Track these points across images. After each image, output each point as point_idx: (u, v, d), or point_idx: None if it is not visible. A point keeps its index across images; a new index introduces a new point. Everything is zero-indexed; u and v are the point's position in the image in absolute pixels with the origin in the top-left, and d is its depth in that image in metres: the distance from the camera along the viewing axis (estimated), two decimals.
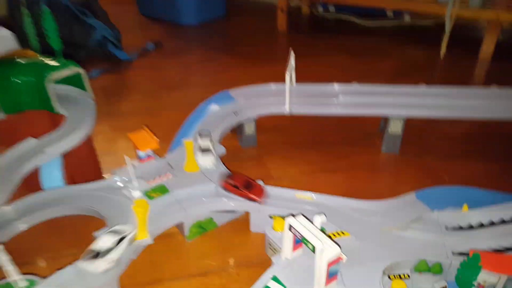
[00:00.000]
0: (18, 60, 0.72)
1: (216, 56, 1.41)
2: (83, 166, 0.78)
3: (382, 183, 0.81)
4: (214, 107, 0.88)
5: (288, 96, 0.84)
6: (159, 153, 0.74)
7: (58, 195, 0.65)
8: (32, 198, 0.63)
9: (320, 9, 1.74)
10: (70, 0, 1.39)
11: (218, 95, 0.91)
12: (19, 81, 0.69)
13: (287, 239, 0.53)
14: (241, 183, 0.65)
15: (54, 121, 0.74)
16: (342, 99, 0.88)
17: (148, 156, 0.73)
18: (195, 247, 0.66)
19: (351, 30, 1.59)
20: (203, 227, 0.68)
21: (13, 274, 0.49)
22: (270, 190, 0.67)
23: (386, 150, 0.87)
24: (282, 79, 0.84)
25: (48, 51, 0.75)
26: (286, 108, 0.85)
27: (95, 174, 0.81)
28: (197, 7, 1.66)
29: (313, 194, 0.66)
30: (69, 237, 0.68)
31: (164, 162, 0.73)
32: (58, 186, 0.71)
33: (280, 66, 1.29)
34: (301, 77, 0.90)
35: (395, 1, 1.36)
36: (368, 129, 0.95)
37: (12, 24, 1.27)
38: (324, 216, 0.53)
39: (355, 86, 0.91)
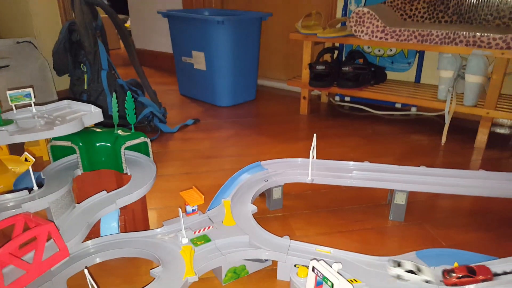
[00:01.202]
0: (98, 129, 0.93)
1: (246, 133, 1.63)
2: (135, 218, 0.94)
3: (389, 244, 0.93)
4: (247, 175, 1.06)
5: (310, 168, 1.02)
6: (200, 209, 0.91)
7: (122, 238, 0.81)
8: (105, 239, 0.79)
9: (337, 98, 2.00)
10: (126, 82, 1.69)
11: (251, 165, 1.09)
12: (101, 146, 0.89)
13: (311, 279, 0.66)
14: (464, 271, 0.68)
15: (121, 179, 0.92)
16: (355, 173, 1.05)
17: (193, 211, 0.89)
18: None
19: (363, 117, 1.82)
20: (237, 273, 0.81)
21: None
22: (295, 244, 0.81)
23: (393, 218, 1.01)
24: (304, 155, 1.03)
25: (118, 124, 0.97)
26: (309, 178, 1.02)
27: (144, 225, 0.96)
28: (232, 92, 1.94)
29: (331, 249, 0.80)
30: (123, 274, 0.82)
31: (206, 217, 0.89)
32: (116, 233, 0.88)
33: (302, 144, 1.51)
34: (321, 154, 1.09)
35: (403, 97, 1.59)
36: (377, 200, 1.11)
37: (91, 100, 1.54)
38: (340, 264, 0.66)
39: (366, 164, 1.09)
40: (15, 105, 0.86)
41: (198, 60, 1.91)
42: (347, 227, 0.99)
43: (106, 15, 1.59)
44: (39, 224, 0.65)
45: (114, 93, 0.96)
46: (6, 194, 0.73)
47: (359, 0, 1.85)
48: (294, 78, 1.86)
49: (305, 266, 0.76)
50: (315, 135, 1.01)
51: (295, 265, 0.77)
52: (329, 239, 0.94)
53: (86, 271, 0.61)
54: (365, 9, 1.51)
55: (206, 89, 1.97)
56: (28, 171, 1.19)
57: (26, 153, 0.73)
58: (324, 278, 0.62)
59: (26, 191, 0.75)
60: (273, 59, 2.28)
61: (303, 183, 1.04)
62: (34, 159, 0.73)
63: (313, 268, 0.64)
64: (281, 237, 0.82)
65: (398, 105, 1.89)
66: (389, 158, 1.38)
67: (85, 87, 1.59)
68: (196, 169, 1.31)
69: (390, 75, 1.87)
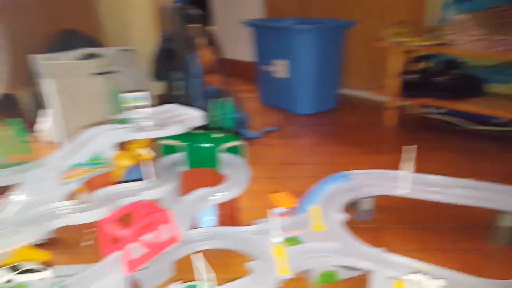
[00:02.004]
0: (198, 131, 1.00)
1: (327, 142, 1.62)
2: (228, 214, 0.99)
3: (491, 268, 0.86)
4: (335, 183, 1.05)
5: (408, 181, 0.98)
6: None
7: (222, 231, 0.87)
8: (207, 230, 0.85)
9: (424, 110, 1.90)
10: (215, 89, 1.78)
11: (339, 173, 1.09)
12: (202, 146, 0.96)
13: None
14: None
15: (217, 178, 0.98)
16: (456, 190, 0.99)
17: (283, 213, 0.91)
18: None
19: (456, 132, 1.69)
20: (328, 277, 0.81)
21: (205, 279, 0.66)
22: (391, 257, 0.78)
23: (497, 241, 0.93)
24: (390, 168, 1.00)
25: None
26: (406, 191, 0.98)
27: (235, 222, 1.01)
28: (313, 101, 1.95)
29: (429, 265, 0.76)
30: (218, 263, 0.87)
31: (295, 221, 0.90)
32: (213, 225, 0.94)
33: (387, 157, 1.45)
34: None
35: (504, 111, 1.46)
36: (477, 220, 1.02)
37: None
38: (445, 280, 0.62)
39: (469, 181, 1.01)
40: (129, 106, 0.95)
41: (281, 68, 1.96)
42: (443, 245, 0.94)
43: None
44: (158, 210, 0.72)
45: (211, 100, 1.03)
46: (129, 183, 0.82)
47: (455, 7, 1.74)
48: (381, 86, 1.81)
49: (402, 280, 0.73)
50: (415, 146, 0.97)
51: (390, 278, 0.75)
52: (423, 256, 0.88)
53: (201, 255, 0.66)
54: (466, 16, 1.42)
55: (287, 97, 2.00)
56: (134, 166, 1.33)
57: (149, 148, 0.82)
58: None
59: (144, 181, 0.84)
60: (356, 68, 2.24)
61: (394, 196, 1.00)
62: (152, 155, 0.82)
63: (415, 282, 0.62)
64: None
65: (496, 121, 1.73)
66: (491, 177, 1.27)
67: (179, 93, 1.71)
68: (279, 174, 1.34)
69: (491, 87, 1.72)
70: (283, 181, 1.29)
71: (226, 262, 0.88)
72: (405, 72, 1.63)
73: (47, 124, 1.63)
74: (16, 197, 0.72)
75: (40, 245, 0.78)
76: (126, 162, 1.32)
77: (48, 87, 1.49)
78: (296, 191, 1.18)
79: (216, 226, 0.95)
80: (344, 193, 1.00)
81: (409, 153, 0.96)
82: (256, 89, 2.25)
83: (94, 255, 0.90)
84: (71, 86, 1.48)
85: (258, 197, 1.17)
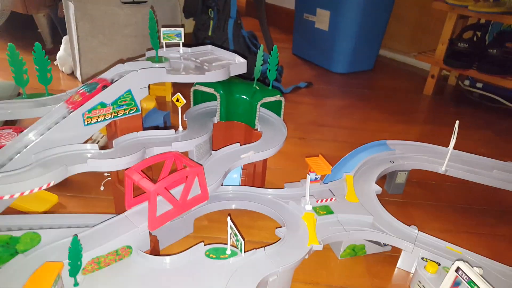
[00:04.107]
0: (237, 80, 0.94)
1: (361, 105, 1.54)
2: (254, 174, 0.96)
3: None
4: (372, 152, 1.00)
5: (448, 158, 0.93)
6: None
7: (252, 192, 0.84)
8: (230, 188, 0.83)
9: (467, 82, 1.78)
10: (247, 32, 1.68)
11: (376, 142, 1.03)
12: (239, 98, 0.90)
13: (449, 279, 0.61)
14: None
15: (250, 134, 0.93)
16: (496, 173, 0.94)
17: (316, 179, 0.88)
18: (344, 265, 0.78)
19: (497, 110, 1.60)
20: (356, 251, 0.79)
21: (234, 240, 0.65)
22: (423, 237, 0.75)
23: None
24: (426, 140, 0.96)
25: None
26: (443, 168, 0.94)
27: (261, 182, 0.98)
28: (350, 59, 1.84)
29: (462, 249, 0.73)
30: (240, 224, 0.86)
31: (327, 188, 0.87)
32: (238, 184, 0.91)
33: (423, 128, 1.39)
34: (445, 143, 0.98)
35: None
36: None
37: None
38: (482, 269, 0.60)
39: (506, 164, 0.96)
40: (165, 43, 0.89)
41: (322, 18, 1.82)
42: (475, 229, 0.90)
43: None
44: (189, 164, 0.68)
45: (261, 45, 0.95)
46: (156, 131, 0.78)
47: None
48: (424, 52, 1.69)
49: (434, 262, 0.71)
50: (457, 122, 0.90)
51: (422, 258, 0.73)
52: (453, 238, 0.86)
53: (228, 218, 0.64)
54: None
55: (323, 51, 1.89)
56: (154, 109, 1.28)
57: (179, 94, 0.76)
58: (470, 282, 0.57)
59: (172, 131, 0.80)
60: (400, 29, 2.08)
61: (429, 171, 0.96)
62: (185, 101, 0.76)
63: (458, 269, 0.59)
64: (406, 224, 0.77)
65: None
66: None
67: (209, 34, 1.62)
68: (309, 135, 1.29)
69: None
70: (313, 143, 1.24)
71: (251, 224, 0.86)
72: (455, 40, 1.50)
73: (61, 52, 1.56)
74: (33, 133, 0.66)
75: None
76: (147, 104, 1.28)
77: (69, 12, 1.40)
78: (327, 155, 1.15)
79: (241, 185, 0.93)
80: (380, 163, 0.96)
81: (455, 128, 0.90)
82: (290, 39, 2.12)
83: (107, 202, 0.90)
84: (94, 13, 1.38)
85: (287, 158, 1.14)
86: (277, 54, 0.90)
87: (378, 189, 0.88)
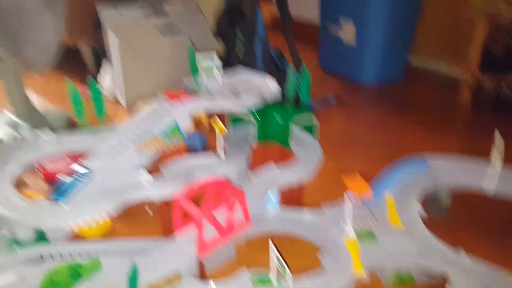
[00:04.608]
0: (272, 105, 0.97)
1: (394, 118, 1.53)
2: (291, 193, 0.98)
3: None
4: (411, 169, 0.99)
5: (495, 176, 0.90)
6: None
7: (285, 215, 0.85)
8: (268, 211, 0.85)
9: (507, 91, 1.72)
10: (273, 50, 1.72)
11: (415, 158, 1.02)
12: (274, 120, 0.93)
13: None
14: None
15: (285, 156, 0.96)
16: None
17: (355, 200, 0.88)
18: None
19: None
20: (403, 279, 0.77)
21: (278, 267, 0.66)
22: (476, 264, 0.73)
23: None
24: (465, 153, 0.91)
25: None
26: (491, 187, 0.91)
27: (299, 202, 0.99)
28: (378, 69, 1.83)
29: None
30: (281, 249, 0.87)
31: (367, 208, 0.87)
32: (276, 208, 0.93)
33: (463, 141, 1.35)
34: (486, 157, 0.94)
35: None
36: None
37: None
38: None
39: None
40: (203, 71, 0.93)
41: (346, 29, 1.83)
42: None
43: None
44: (231, 189, 0.72)
45: (290, 66, 0.98)
46: (198, 156, 0.83)
47: None
48: (459, 60, 1.65)
49: None
50: (497, 132, 0.87)
51: None
52: (505, 264, 0.82)
53: (271, 244, 0.66)
54: None
55: (350, 62, 1.89)
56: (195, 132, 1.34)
57: (220, 122, 0.80)
58: None
59: (213, 155, 0.84)
60: (431, 34, 2.04)
61: (474, 189, 0.93)
62: (225, 129, 0.81)
63: None
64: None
65: None
66: None
67: (239, 55, 1.67)
68: (343, 151, 1.29)
69: None
70: (347, 159, 1.25)
71: (290, 248, 0.86)
72: (489, 45, 1.47)
73: (106, 80, 1.65)
74: (91, 164, 0.72)
75: None
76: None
77: (111, 43, 1.50)
78: (362, 172, 1.14)
79: (279, 207, 0.94)
80: (421, 182, 0.94)
81: (497, 141, 0.87)
82: (316, 52, 2.14)
83: (155, 224, 0.92)
84: (135, 43, 1.48)
85: (322, 175, 1.14)
86: (308, 74, 0.92)
87: (421, 210, 0.87)
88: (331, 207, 0.87)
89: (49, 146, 0.75)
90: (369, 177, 0.96)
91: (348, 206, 0.80)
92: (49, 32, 1.11)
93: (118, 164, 0.73)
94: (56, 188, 0.69)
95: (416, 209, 0.86)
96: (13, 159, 0.71)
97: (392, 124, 1.49)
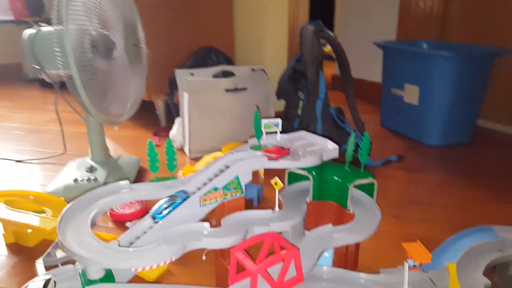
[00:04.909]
0: (330, 164, 1.00)
1: (460, 182, 1.46)
2: (347, 254, 0.96)
3: None
4: (476, 238, 0.94)
5: None
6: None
7: (341, 275, 0.84)
8: (323, 270, 0.84)
9: None
10: (335, 110, 1.76)
11: (481, 226, 0.97)
12: (331, 179, 0.95)
13: None
14: None
15: (341, 215, 0.96)
16: None
17: (415, 267, 0.85)
18: None
19: None
20: None
21: None
22: None
23: None
24: None
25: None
26: None
27: (354, 264, 0.97)
28: (444, 131, 1.79)
29: None
30: None
31: (427, 277, 0.83)
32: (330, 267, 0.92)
33: None
34: None
35: None
36: None
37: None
38: None
39: None
40: (265, 132, 1.00)
41: (410, 93, 1.84)
42: None
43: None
44: (286, 246, 0.73)
45: (353, 132, 1.01)
46: (256, 210, 0.86)
47: None
48: None
49: None
50: None
51: None
52: None
53: None
54: None
55: (413, 123, 1.87)
56: (249, 182, 1.39)
57: (277, 178, 0.84)
58: None
59: (270, 211, 0.87)
60: (500, 98, 1.98)
61: None
62: (282, 185, 0.84)
63: None
64: None
65: None
66: None
67: (299, 113, 1.74)
68: (404, 213, 1.25)
69: None
70: (409, 222, 1.20)
71: None
72: None
73: (173, 131, 1.80)
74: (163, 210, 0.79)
75: None
76: None
77: (183, 99, 1.65)
78: (424, 237, 1.11)
79: (333, 267, 0.93)
80: (487, 252, 0.89)
81: None
82: (378, 111, 2.15)
83: (209, 272, 0.96)
84: (203, 100, 1.62)
85: (381, 237, 1.12)
86: (368, 136, 0.94)
87: (487, 282, 0.81)
88: (389, 272, 0.85)
89: (123, 192, 0.83)
90: (432, 242, 0.92)
91: (406, 273, 0.77)
92: (132, 91, 1.28)
93: (182, 213, 0.79)
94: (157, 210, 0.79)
95: (481, 280, 0.80)
96: (92, 202, 0.80)
97: (458, 188, 1.42)
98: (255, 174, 1.56)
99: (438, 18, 2.18)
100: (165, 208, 0.80)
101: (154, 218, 0.79)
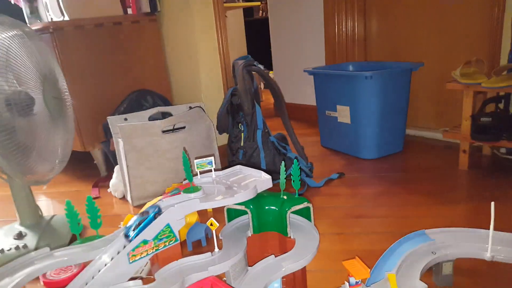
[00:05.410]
0: (265, 193, 1.01)
1: (396, 190, 1.54)
2: (295, 280, 0.96)
3: None
4: (411, 244, 0.98)
5: (490, 242, 0.90)
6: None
7: None
8: None
9: (504, 150, 1.74)
10: (276, 137, 1.81)
11: (414, 233, 1.02)
12: (269, 209, 0.96)
13: None
14: None
15: (284, 243, 0.97)
16: None
17: (357, 283, 0.87)
18: None
19: None
20: None
21: None
22: None
23: None
24: (470, 222, 0.90)
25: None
26: (488, 254, 0.90)
27: None
28: (377, 145, 1.89)
29: None
30: None
31: None
32: None
33: (464, 207, 1.34)
34: (496, 223, 0.94)
35: None
36: None
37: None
38: None
39: None
40: (199, 171, 1.00)
41: (343, 113, 1.94)
42: None
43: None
44: None
45: (283, 161, 1.04)
46: (193, 256, 0.84)
47: None
48: (452, 129, 1.71)
49: None
50: (492, 203, 0.89)
51: None
52: None
53: None
54: None
55: (349, 141, 1.97)
56: (197, 222, 1.36)
57: (212, 219, 0.83)
58: None
59: (209, 253, 0.85)
60: (423, 107, 2.15)
61: (480, 259, 0.92)
62: (218, 224, 0.83)
63: None
64: None
65: None
66: None
67: (241, 144, 1.77)
68: (346, 229, 1.29)
69: None
70: (351, 237, 1.24)
71: None
72: (478, 114, 1.53)
73: (113, 180, 1.74)
74: (87, 275, 0.74)
75: None
76: (190, 218, 1.37)
77: (118, 146, 1.61)
78: (367, 250, 1.15)
79: None
80: (423, 256, 0.93)
81: (491, 210, 0.88)
82: (318, 132, 2.24)
83: None
84: (139, 144, 1.59)
85: (326, 257, 1.14)
86: (298, 166, 0.97)
87: (424, 286, 0.85)
88: None
89: (43, 261, 0.77)
90: (375, 253, 0.95)
91: None
92: (60, 146, 1.22)
93: (110, 275, 0.73)
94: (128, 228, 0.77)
95: (418, 286, 0.83)
96: (18, 271, 0.74)
97: (395, 196, 1.49)
98: (204, 213, 1.53)
99: (360, 40, 2.36)
100: (137, 225, 0.76)
101: (127, 236, 0.76)
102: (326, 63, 2.51)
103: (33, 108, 1.15)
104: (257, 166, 1.73)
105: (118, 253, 0.75)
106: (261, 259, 0.89)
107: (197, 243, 1.29)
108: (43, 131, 1.18)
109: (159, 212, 0.81)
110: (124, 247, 0.75)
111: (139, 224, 0.78)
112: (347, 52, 2.37)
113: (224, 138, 1.96)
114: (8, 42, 1.11)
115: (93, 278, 0.72)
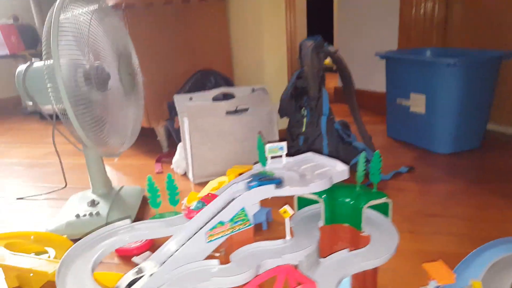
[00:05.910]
0: (343, 185, 0.95)
1: (474, 190, 1.41)
2: (365, 279, 0.90)
3: None
4: (500, 251, 0.89)
5: None
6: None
7: None
8: None
9: None
10: (340, 124, 1.72)
11: (504, 238, 0.92)
12: (343, 202, 0.91)
13: None
14: None
15: (356, 238, 0.91)
16: None
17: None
18: None
19: None
20: None
21: None
22: None
23: None
24: None
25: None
26: None
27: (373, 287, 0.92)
28: (453, 138, 1.74)
29: None
30: None
31: None
32: None
33: None
34: None
35: None
36: None
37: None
38: None
39: None
40: (271, 156, 0.96)
41: (417, 102, 1.80)
42: None
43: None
44: (302, 280, 0.69)
45: (363, 152, 0.96)
46: (265, 241, 0.81)
47: None
48: None
49: None
50: None
51: None
52: None
53: None
54: None
55: (421, 132, 1.83)
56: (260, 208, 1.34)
57: (286, 206, 0.80)
58: None
59: (281, 240, 0.82)
60: (509, 100, 1.94)
61: None
62: (292, 212, 0.79)
63: None
64: None
65: None
66: None
67: (303, 130, 1.70)
68: (419, 228, 1.20)
69: None
70: (425, 237, 1.15)
71: None
72: None
73: (176, 156, 1.76)
74: (165, 251, 0.75)
75: None
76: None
77: (183, 125, 1.62)
78: (444, 252, 1.05)
79: None
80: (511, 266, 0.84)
81: None
82: (385, 121, 2.11)
83: None
84: (204, 124, 1.59)
85: (399, 255, 1.05)
86: (379, 158, 0.90)
87: None
88: None
89: (124, 233, 0.79)
90: (453, 257, 0.87)
91: None
92: (131, 121, 1.25)
93: (187, 252, 0.74)
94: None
95: None
96: (94, 245, 0.76)
97: (474, 196, 1.36)
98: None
99: (440, 24, 2.15)
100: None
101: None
102: (399, 47, 2.34)
103: (109, 83, 1.17)
104: (319, 153, 1.66)
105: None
106: (331, 251, 0.84)
107: (257, 226, 1.27)
108: (117, 105, 1.21)
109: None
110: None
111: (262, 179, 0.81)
112: (424, 36, 2.19)
113: (283, 123, 1.90)
114: (89, 18, 1.13)
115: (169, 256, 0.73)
